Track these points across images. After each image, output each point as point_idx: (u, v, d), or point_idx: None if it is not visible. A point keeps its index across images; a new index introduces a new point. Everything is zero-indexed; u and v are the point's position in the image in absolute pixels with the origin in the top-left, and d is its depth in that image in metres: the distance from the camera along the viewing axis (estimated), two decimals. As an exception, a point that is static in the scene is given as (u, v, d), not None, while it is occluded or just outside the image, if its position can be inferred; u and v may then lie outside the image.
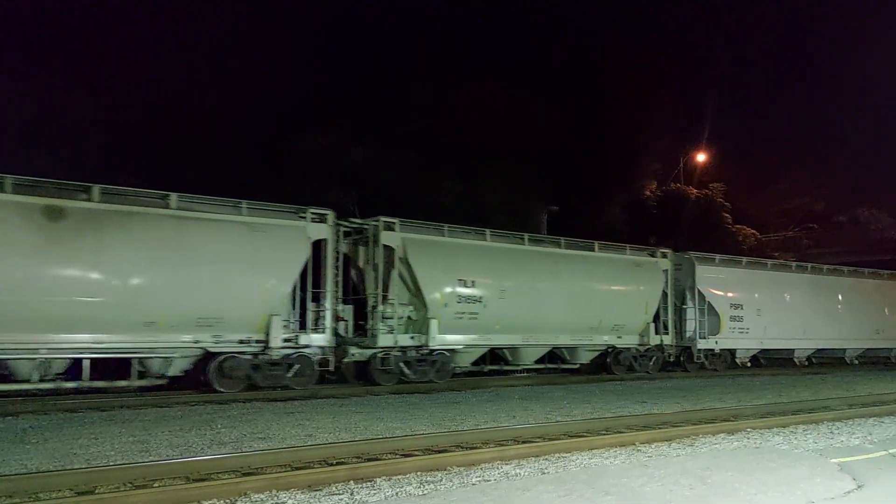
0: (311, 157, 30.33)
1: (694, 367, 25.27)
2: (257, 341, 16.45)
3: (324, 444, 9.93)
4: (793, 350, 28.32)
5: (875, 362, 31.58)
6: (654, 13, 65.51)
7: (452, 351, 19.61)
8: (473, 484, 7.83)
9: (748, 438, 11.07)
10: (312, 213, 17.67)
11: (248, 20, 39.97)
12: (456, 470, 8.48)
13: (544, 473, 8.40)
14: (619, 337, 23.13)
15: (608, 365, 23.02)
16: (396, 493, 7.39)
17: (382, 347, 18.36)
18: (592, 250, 22.88)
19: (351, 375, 18.90)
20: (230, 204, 16.67)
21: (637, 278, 23.61)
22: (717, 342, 25.43)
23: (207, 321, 15.76)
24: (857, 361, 30.44)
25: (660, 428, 11.66)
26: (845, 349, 30.12)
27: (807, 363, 28.99)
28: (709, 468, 8.58)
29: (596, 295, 22.53)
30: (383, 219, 18.66)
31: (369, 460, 8.80)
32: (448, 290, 19.31)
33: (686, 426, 11.87)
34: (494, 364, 21.56)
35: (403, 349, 18.71)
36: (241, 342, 16.26)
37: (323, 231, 17.79)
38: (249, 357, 16.44)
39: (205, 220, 16.10)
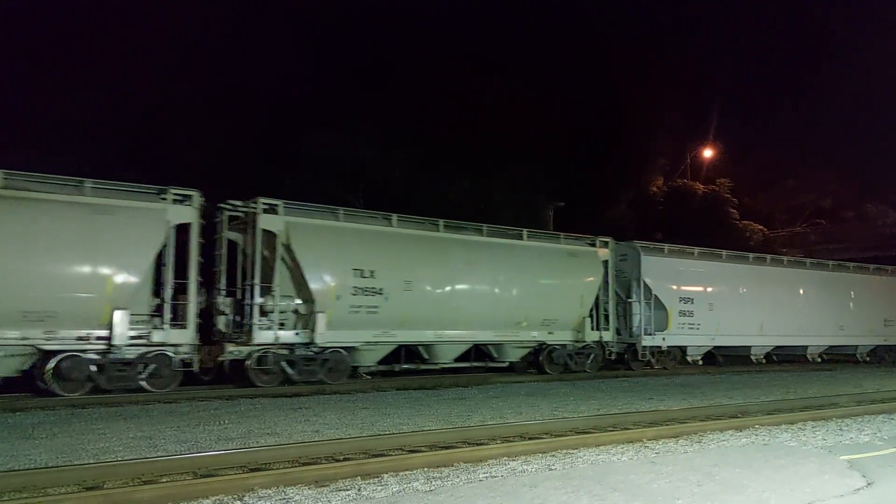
0: (317, 155, 30.32)
1: (639, 366, 23.58)
2: (99, 338, 14.66)
3: (330, 439, 9.94)
4: (749, 347, 26.57)
5: (840, 360, 29.72)
6: (661, 10, 65.31)
7: (351, 349, 17.87)
8: (480, 480, 7.82)
9: (756, 435, 11.03)
10: (175, 194, 15.82)
11: (253, 16, 40.01)
12: (463, 466, 8.47)
13: (551, 470, 8.39)
14: (551, 333, 21.32)
15: (540, 364, 21.36)
16: (403, 490, 7.38)
17: (260, 345, 16.61)
18: (520, 238, 21.20)
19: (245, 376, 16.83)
20: (72, 183, 14.82)
21: (571, 269, 21.90)
22: (664, 339, 23.55)
23: (37, 315, 14.08)
24: (818, 360, 28.80)
25: (667, 424, 11.64)
26: (807, 346, 28.38)
27: (764, 361, 27.23)
28: (717, 465, 8.55)
29: (521, 287, 20.68)
30: (263, 200, 16.90)
31: (376, 456, 8.80)
32: (340, 280, 17.45)
33: (694, 423, 11.84)
34: (411, 363, 19.66)
35: (290, 346, 17.03)
36: (80, 339, 14.51)
37: (187, 214, 15.94)
38: (93, 356, 14.69)
39: (34, 200, 14.20)
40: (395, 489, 7.39)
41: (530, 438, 10.17)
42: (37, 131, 26.55)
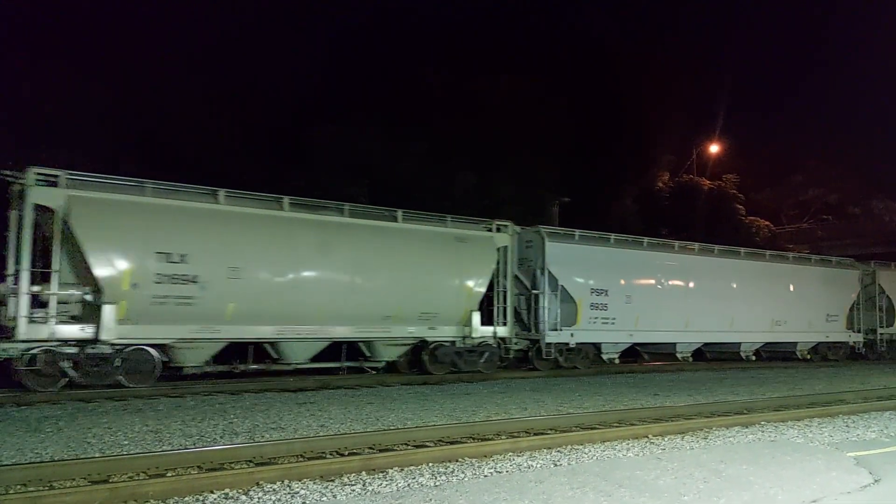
0: (324, 149, 30.33)
1: (546, 366, 20.85)
2: None
3: (336, 434, 9.94)
4: (674, 344, 23.94)
5: (781, 358, 27.33)
6: (668, 4, 65.10)
7: (164, 346, 15.26)
8: (486, 475, 7.82)
9: (763, 432, 11.01)
10: None
11: (259, 12, 39.99)
12: (469, 461, 8.48)
13: (557, 465, 8.38)
14: (432, 328, 18.59)
15: (423, 363, 18.77)
16: (409, 485, 7.38)
17: (30, 341, 13.95)
18: (393, 220, 18.39)
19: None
20: None
21: (457, 256, 19.02)
22: (572, 335, 20.79)
23: None
24: (753, 357, 26.36)
25: (673, 420, 11.63)
26: (740, 343, 25.81)
27: (691, 359, 24.69)
28: (723, 461, 8.54)
29: (391, 276, 17.94)
30: (37, 170, 14.24)
31: (382, 451, 8.80)
32: (137, 265, 14.63)
33: (699, 419, 11.82)
34: (261, 362, 17.10)
35: (80, 343, 14.34)
36: None
37: None
38: None
39: None
40: (401, 484, 7.40)
41: (536, 434, 10.18)
42: (40, 125, 26.59)
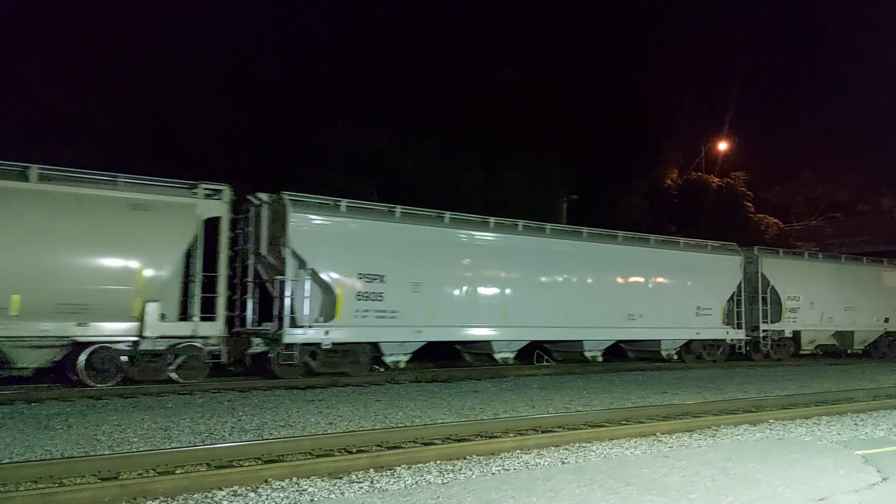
0: (332, 146, 30.36)
1: (287, 372, 16.55)
2: None
3: (344, 432, 9.98)
4: (488, 342, 19.84)
5: (650, 359, 23.66)
6: (678, 1, 64.92)
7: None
8: (494, 473, 7.84)
9: (771, 430, 11.00)
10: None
11: (272, 7, 40.10)
12: (476, 459, 8.50)
13: (564, 463, 8.39)
14: (82, 325, 14.12)
15: (78, 373, 14.37)
16: (417, 482, 7.40)
17: None
18: (25, 181, 13.82)
19: None
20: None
21: (127, 230, 14.71)
22: (327, 332, 16.54)
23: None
24: (600, 358, 22.12)
25: (681, 418, 11.63)
26: (581, 341, 21.65)
27: (513, 361, 20.33)
28: (731, 459, 8.53)
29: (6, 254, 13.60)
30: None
31: (390, 448, 8.83)
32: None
33: (708, 417, 11.81)
34: None
35: None
36: None
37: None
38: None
39: None
40: (408, 482, 7.42)
41: (543, 432, 10.20)
42: (54, 122, 26.70)
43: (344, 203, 17.46)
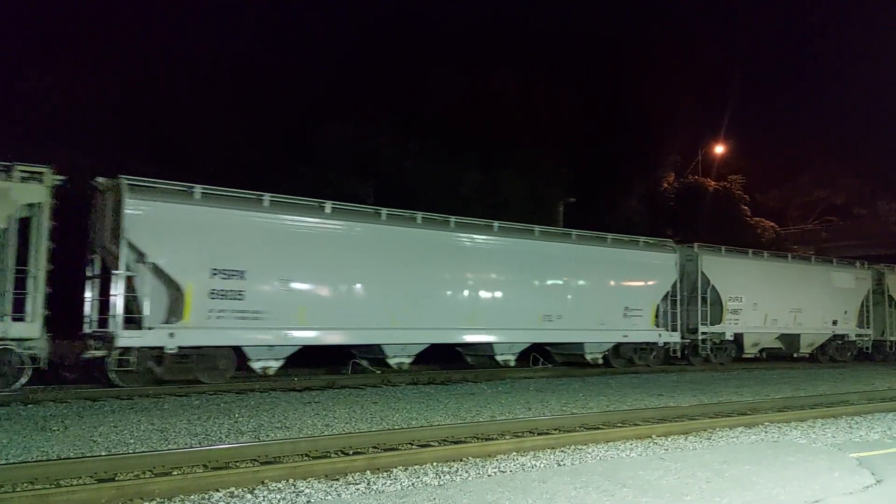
0: (331, 147, 30.39)
1: (125, 380, 14.51)
2: None
3: (342, 433, 10.00)
4: (381, 346, 17.78)
5: (577, 364, 21.79)
6: (674, 4, 65.07)
7: None
8: (490, 475, 7.86)
9: (766, 432, 11.04)
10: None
11: (270, 10, 40.13)
12: (473, 461, 8.53)
13: (561, 465, 8.42)
14: None
15: None
16: (413, 484, 7.42)
17: None
18: None
19: None
20: None
21: None
22: (171, 334, 14.66)
23: None
24: (512, 364, 20.17)
25: (677, 421, 11.67)
26: (490, 343, 19.58)
27: (408, 367, 18.38)
28: (726, 462, 8.57)
29: None
30: None
31: (387, 450, 8.85)
32: None
33: (703, 419, 11.85)
34: None
35: None
36: None
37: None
38: None
39: None
40: (405, 483, 7.44)
41: (540, 434, 10.23)
42: (43, 120, 26.69)
43: (198, 189, 15.39)
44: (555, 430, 10.64)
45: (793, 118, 67.62)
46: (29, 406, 12.45)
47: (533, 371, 20.72)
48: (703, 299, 23.91)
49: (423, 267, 18.27)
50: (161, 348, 14.70)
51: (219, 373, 15.58)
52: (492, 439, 9.70)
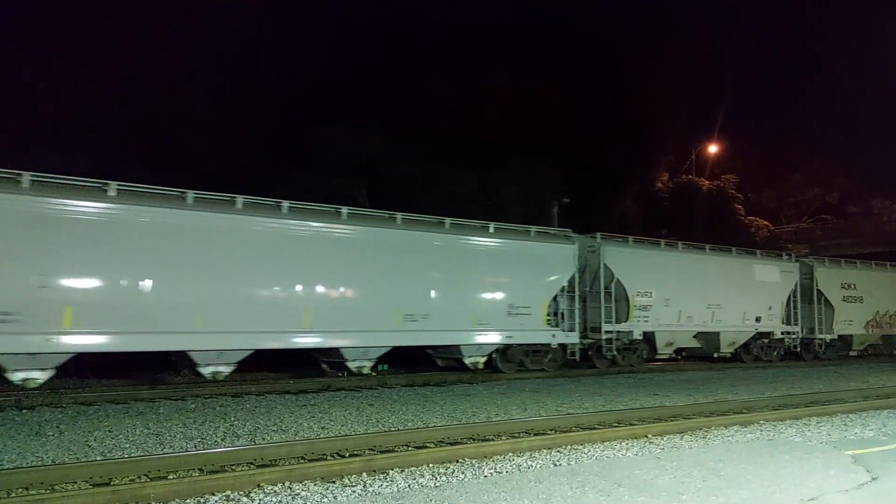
0: (326, 150, 30.38)
1: None
2: None
3: (338, 436, 9.98)
4: (186, 353, 14.98)
5: (454, 368, 19.34)
6: (668, 5, 65.19)
7: None
8: (486, 476, 7.87)
9: (761, 431, 11.07)
10: None
11: (265, 12, 40.11)
12: (469, 462, 8.54)
13: (557, 465, 8.43)
14: None
15: None
16: (410, 486, 7.43)
17: None
18: None
19: None
20: None
21: None
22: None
23: None
24: (374, 373, 17.79)
25: (672, 420, 11.69)
26: (337, 348, 16.86)
27: (224, 378, 15.49)
28: (722, 460, 8.59)
29: None
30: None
31: (383, 452, 8.86)
32: None
33: (698, 418, 11.87)
34: None
35: None
36: None
37: None
38: None
39: None
40: (401, 485, 7.44)
41: (536, 434, 10.24)
42: (37, 125, 26.66)
43: (27, 177, 13.20)
44: (551, 430, 10.65)
45: (786, 117, 67.88)
46: (24, 411, 12.40)
47: (529, 372, 19.97)
48: (608, 295, 21.49)
49: (236, 260, 15.32)
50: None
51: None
52: (488, 440, 9.71)
